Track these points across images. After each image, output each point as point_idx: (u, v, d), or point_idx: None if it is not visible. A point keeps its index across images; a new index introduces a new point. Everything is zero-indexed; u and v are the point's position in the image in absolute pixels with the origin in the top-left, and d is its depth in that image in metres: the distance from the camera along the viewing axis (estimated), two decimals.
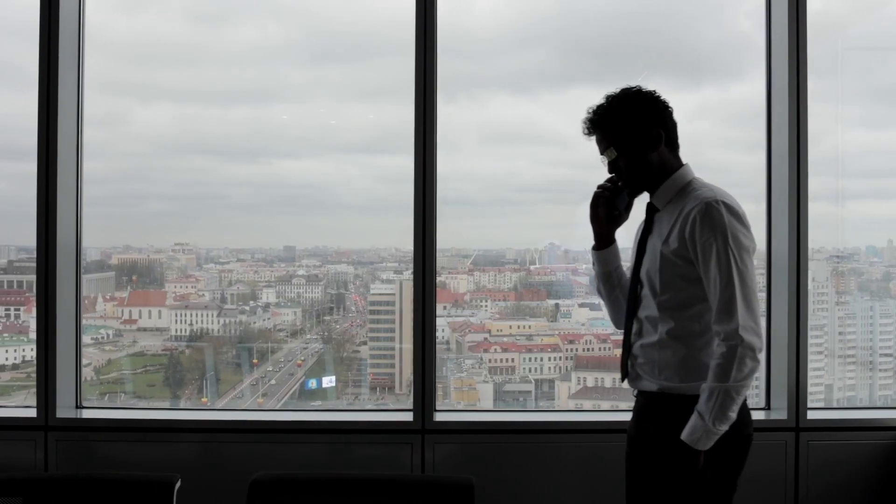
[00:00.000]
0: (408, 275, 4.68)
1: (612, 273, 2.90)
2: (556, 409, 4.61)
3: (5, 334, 4.66)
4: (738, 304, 2.43)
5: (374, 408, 4.59)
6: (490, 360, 4.71)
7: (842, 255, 4.63)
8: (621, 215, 2.85)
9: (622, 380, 2.82)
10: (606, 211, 2.83)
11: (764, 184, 4.09)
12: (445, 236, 3.95)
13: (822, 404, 4.37)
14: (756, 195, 4.28)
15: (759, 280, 4.46)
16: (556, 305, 4.82)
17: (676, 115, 2.70)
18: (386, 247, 4.89)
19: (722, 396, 2.41)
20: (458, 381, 4.66)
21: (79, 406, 4.11)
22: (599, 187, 2.81)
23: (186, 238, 4.84)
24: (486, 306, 4.85)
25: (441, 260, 4.12)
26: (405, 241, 4.67)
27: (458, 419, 4.14)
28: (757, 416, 4.11)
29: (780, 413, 4.00)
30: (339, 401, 4.65)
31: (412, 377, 4.51)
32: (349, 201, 4.66)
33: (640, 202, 2.79)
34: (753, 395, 4.40)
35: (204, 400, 4.57)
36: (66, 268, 3.99)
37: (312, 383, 4.70)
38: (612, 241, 2.90)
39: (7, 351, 4.60)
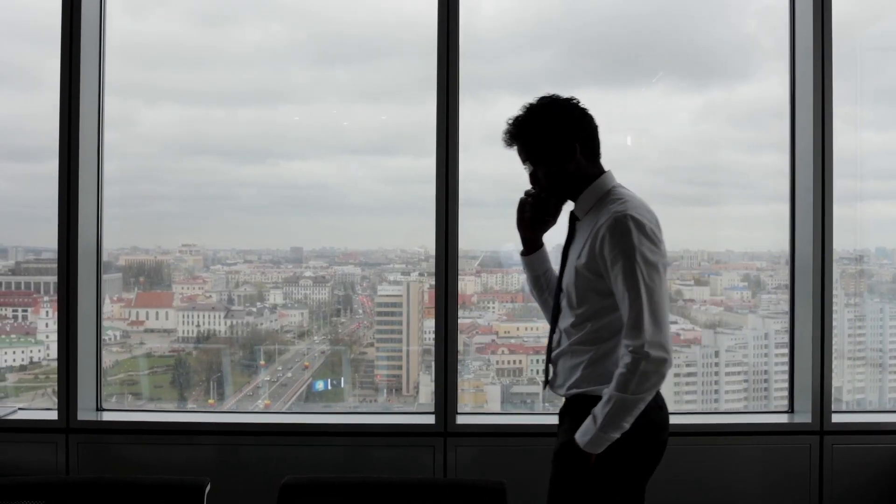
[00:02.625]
0: (415, 276, 4.67)
1: (541, 277, 2.92)
2: None
3: (13, 335, 4.66)
4: (644, 321, 2.42)
5: (396, 410, 4.57)
6: (498, 362, 4.69)
7: (851, 256, 4.60)
8: (549, 220, 2.85)
9: (544, 388, 2.85)
10: (533, 216, 2.83)
11: (771, 184, 4.09)
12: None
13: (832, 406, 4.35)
14: (763, 196, 4.28)
15: (777, 281, 4.47)
16: None
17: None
18: (392, 248, 4.87)
19: (618, 405, 2.42)
20: (465, 383, 4.64)
21: (99, 408, 4.14)
22: (526, 193, 2.82)
23: (193, 239, 4.83)
24: (493, 308, 4.83)
25: None
26: (412, 242, 4.67)
27: (481, 422, 4.11)
28: (780, 419, 4.12)
29: (803, 416, 4.00)
30: (345, 403, 4.64)
31: (419, 378, 4.51)
32: (356, 202, 4.65)
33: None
34: (776, 397, 4.38)
35: (210, 402, 4.57)
36: (87, 270, 4.02)
37: (320, 385, 4.69)
38: (540, 245, 2.92)
39: (14, 352, 4.61)
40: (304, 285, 4.85)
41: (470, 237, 4.34)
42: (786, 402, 4.17)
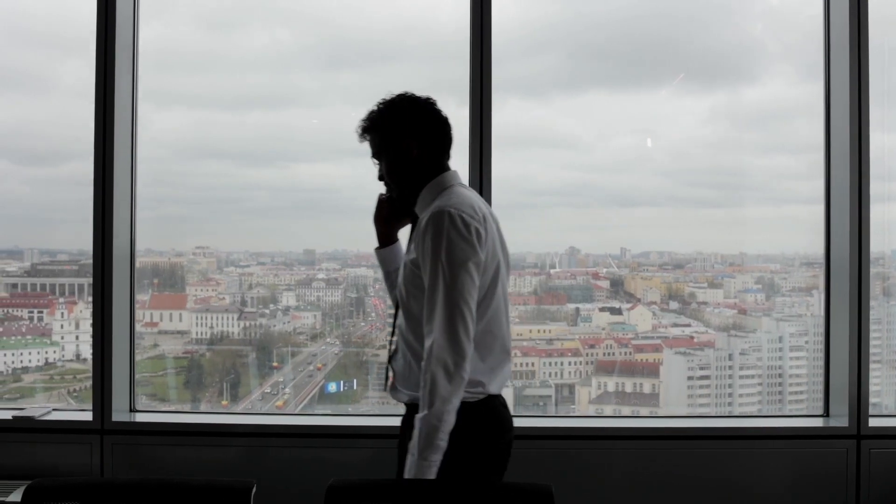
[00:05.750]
0: None
1: (392, 273, 2.83)
2: (609, 415, 4.52)
3: (29, 336, 4.71)
4: (436, 321, 2.36)
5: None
6: None
7: None
8: (404, 218, 2.81)
9: (384, 389, 2.78)
10: (388, 214, 2.82)
11: (784, 187, 4.04)
12: None
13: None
14: (777, 199, 4.23)
15: (792, 284, 4.41)
16: (577, 309, 4.77)
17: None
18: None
19: (426, 427, 2.33)
20: None
21: (132, 409, 4.16)
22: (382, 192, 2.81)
23: (206, 241, 4.86)
24: None
25: None
26: None
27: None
28: (815, 423, 4.05)
29: (840, 420, 3.93)
30: (358, 405, 4.64)
31: None
32: (366, 204, 4.62)
33: None
34: (809, 399, 4.32)
35: (224, 403, 4.59)
36: (121, 273, 4.04)
37: (332, 387, 4.69)
38: (395, 240, 2.87)
39: (31, 353, 4.65)
40: (316, 287, 4.85)
41: None
42: (801, 405, 4.14)
